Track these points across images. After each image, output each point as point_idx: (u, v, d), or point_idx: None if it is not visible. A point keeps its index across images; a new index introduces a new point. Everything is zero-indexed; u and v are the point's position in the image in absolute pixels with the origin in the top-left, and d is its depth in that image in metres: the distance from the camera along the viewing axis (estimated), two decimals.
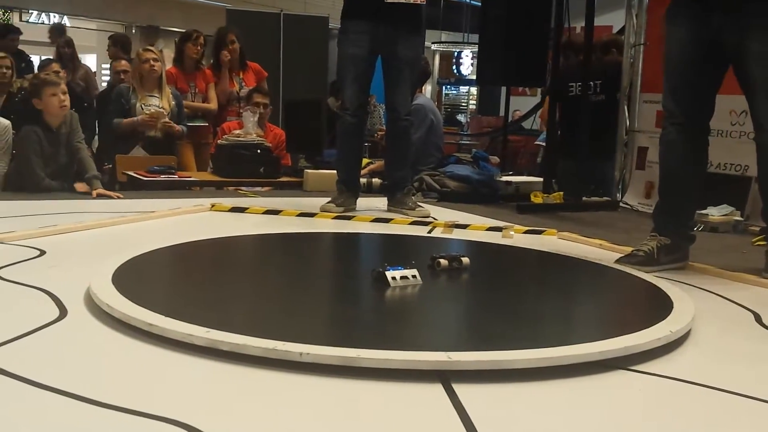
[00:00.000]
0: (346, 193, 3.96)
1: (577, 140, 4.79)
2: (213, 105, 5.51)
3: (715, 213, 4.02)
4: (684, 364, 1.75)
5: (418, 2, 3.76)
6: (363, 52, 3.82)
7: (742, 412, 1.51)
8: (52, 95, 4.03)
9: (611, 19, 7.24)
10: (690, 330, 1.96)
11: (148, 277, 2.34)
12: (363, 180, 4.53)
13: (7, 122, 4.14)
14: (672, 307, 2.09)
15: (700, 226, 3.86)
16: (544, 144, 5.63)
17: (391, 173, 4.11)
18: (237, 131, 4.96)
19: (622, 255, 2.86)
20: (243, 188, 4.73)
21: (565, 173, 5.00)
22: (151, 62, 4.91)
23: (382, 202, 4.12)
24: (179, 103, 5.06)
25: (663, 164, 2.95)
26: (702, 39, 2.73)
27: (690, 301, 2.18)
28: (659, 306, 2.12)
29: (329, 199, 3.93)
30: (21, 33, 7.51)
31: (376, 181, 4.87)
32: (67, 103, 4.13)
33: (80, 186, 4.09)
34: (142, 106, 4.87)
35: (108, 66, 8.71)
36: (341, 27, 3.91)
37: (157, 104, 4.92)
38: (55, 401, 1.36)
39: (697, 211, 3.85)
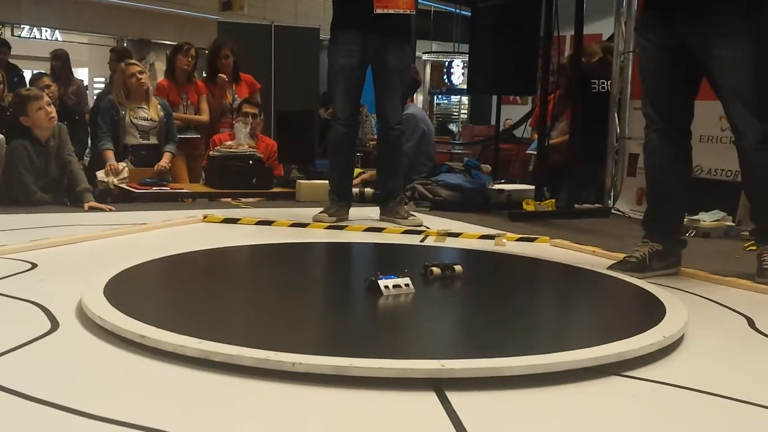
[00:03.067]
0: (339, 203, 3.96)
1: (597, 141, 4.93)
2: (205, 117, 5.51)
3: (707, 218, 4.04)
4: (678, 370, 1.75)
5: (407, 12, 3.77)
6: (353, 62, 3.83)
7: (737, 417, 1.51)
8: (38, 109, 4.02)
9: (600, 28, 7.28)
10: (683, 335, 1.96)
11: (140, 289, 2.33)
12: (355, 190, 4.54)
13: (0, 136, 4.13)
14: (665, 313, 2.09)
15: (692, 232, 3.88)
16: (535, 153, 5.65)
17: (383, 183, 4.11)
18: (229, 142, 4.96)
19: (615, 261, 2.87)
20: (234, 199, 4.73)
21: (582, 177, 5.07)
22: (138, 76, 4.91)
23: (374, 211, 4.12)
24: (168, 113, 5.05)
25: (648, 171, 2.98)
26: (670, 47, 2.77)
27: (683, 306, 2.19)
28: (652, 311, 2.12)
29: (322, 209, 3.93)
30: (10, 47, 7.51)
31: (368, 190, 4.87)
32: (54, 114, 4.12)
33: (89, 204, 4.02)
34: (132, 119, 4.87)
35: (102, 79, 8.72)
36: (331, 38, 3.93)
37: (146, 116, 4.91)
38: (47, 414, 1.35)
39: (689, 217, 3.88)
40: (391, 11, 3.72)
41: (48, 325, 1.88)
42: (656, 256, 2.83)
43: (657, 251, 2.84)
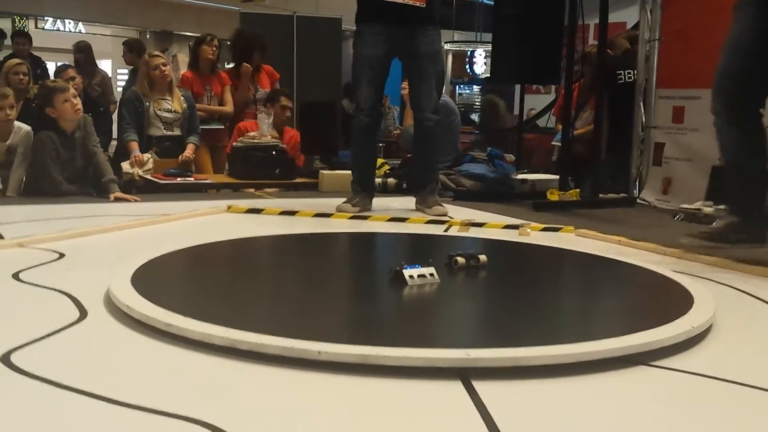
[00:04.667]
0: (362, 193, 3.96)
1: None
2: (229, 108, 5.53)
3: None
4: (705, 360, 1.73)
5: (417, 4, 3.75)
6: (378, 53, 3.82)
7: (766, 407, 1.50)
8: (64, 101, 4.05)
9: (625, 16, 7.20)
10: (711, 325, 1.94)
11: (166, 279, 2.35)
12: (378, 180, 4.53)
13: (28, 128, 4.18)
14: (693, 302, 2.07)
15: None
16: (559, 144, 5.60)
17: (417, 173, 4.12)
18: (252, 133, 4.97)
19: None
20: (257, 190, 4.75)
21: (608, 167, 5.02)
22: (161, 68, 4.94)
23: (397, 201, 4.12)
24: (191, 104, 5.08)
25: (720, 151, 2.90)
26: (763, 27, 2.71)
27: (710, 296, 2.16)
28: (680, 301, 2.10)
29: (345, 199, 3.94)
30: (30, 38, 7.56)
31: (391, 180, 4.87)
32: (80, 106, 4.16)
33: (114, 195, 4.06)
34: (156, 110, 4.90)
35: (125, 71, 8.80)
36: (356, 30, 3.92)
37: (169, 107, 4.94)
38: (77, 401, 1.37)
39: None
40: (400, 2, 3.71)
41: (76, 314, 1.90)
42: (733, 229, 2.80)
43: (734, 223, 2.81)
